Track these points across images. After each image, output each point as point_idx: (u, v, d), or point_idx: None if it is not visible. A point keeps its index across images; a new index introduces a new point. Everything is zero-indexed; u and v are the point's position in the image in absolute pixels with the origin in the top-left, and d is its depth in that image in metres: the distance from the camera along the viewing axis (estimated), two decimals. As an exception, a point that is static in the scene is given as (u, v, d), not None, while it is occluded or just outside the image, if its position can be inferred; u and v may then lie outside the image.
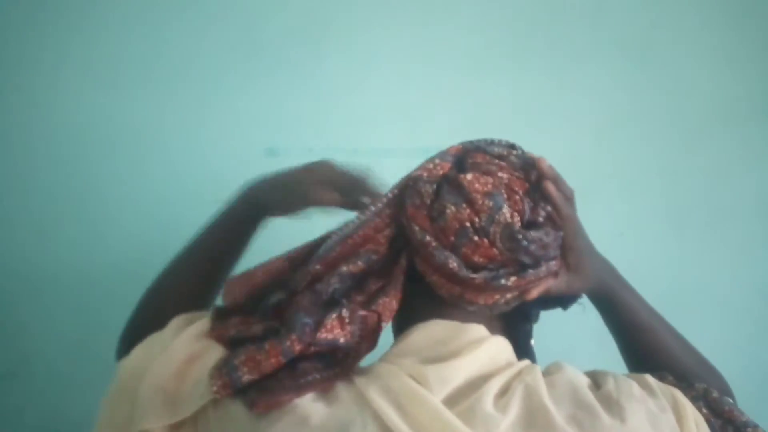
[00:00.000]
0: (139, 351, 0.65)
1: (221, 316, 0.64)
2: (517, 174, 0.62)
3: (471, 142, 0.67)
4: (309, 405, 0.56)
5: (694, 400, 0.63)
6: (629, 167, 1.18)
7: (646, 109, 1.18)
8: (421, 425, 0.53)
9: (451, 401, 0.56)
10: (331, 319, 0.58)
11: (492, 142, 0.67)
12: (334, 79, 1.11)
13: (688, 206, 1.19)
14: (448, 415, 0.54)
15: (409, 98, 1.13)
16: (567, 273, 0.64)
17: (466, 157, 0.64)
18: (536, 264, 0.60)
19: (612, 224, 1.18)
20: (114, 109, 1.07)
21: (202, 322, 0.65)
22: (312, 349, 0.58)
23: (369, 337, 0.60)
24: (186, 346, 0.63)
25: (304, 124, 1.10)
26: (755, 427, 0.63)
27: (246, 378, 0.57)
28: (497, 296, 0.60)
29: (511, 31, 1.16)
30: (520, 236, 0.58)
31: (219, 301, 0.67)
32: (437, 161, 0.64)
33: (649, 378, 0.63)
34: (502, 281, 0.58)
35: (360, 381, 0.58)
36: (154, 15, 1.07)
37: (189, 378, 0.61)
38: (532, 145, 1.15)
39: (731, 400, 0.66)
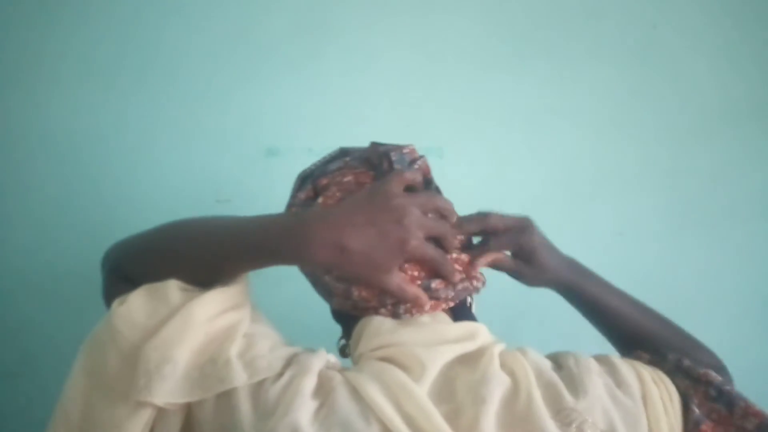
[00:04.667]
0: (138, 302, 0.60)
1: None
2: (359, 170, 0.67)
3: (311, 174, 0.71)
4: (309, 402, 0.55)
5: (670, 373, 0.65)
6: (629, 167, 1.18)
7: (647, 109, 1.18)
8: (411, 419, 0.55)
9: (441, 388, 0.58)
10: None
11: (326, 161, 0.71)
12: (334, 79, 1.11)
13: (688, 206, 1.19)
14: (432, 408, 0.55)
15: (410, 98, 1.13)
16: (524, 266, 0.71)
17: (317, 186, 0.68)
18: None
19: (612, 224, 1.18)
20: (113, 109, 1.07)
21: (222, 291, 0.61)
22: None
23: None
24: (208, 319, 0.58)
25: (304, 124, 1.10)
26: (731, 385, 0.65)
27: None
28: None
29: (511, 31, 1.16)
30: None
31: None
32: (295, 208, 0.68)
33: (614, 357, 0.66)
34: None
35: (353, 377, 0.58)
36: (152, 14, 1.07)
37: (206, 357, 0.57)
38: (533, 144, 1.16)
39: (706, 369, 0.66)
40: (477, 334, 0.63)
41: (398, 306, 0.64)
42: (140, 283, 0.62)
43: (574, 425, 0.56)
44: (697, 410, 0.62)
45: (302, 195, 0.69)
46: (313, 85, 1.10)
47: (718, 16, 1.19)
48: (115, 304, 0.60)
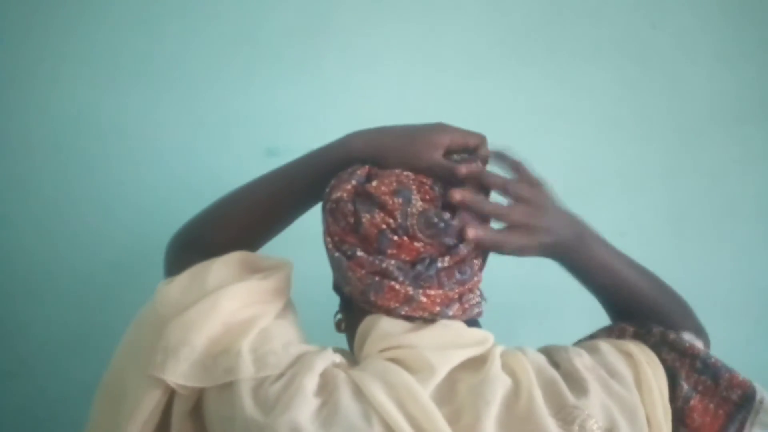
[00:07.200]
0: (181, 282, 0.62)
1: None
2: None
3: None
4: (311, 401, 0.55)
5: (655, 346, 0.65)
6: (630, 167, 1.18)
7: (647, 109, 1.18)
8: (414, 420, 0.54)
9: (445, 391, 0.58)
10: None
11: None
12: (334, 79, 1.11)
13: (688, 206, 1.19)
14: (434, 410, 0.55)
15: (410, 98, 1.13)
16: (518, 231, 0.65)
17: (371, 171, 0.66)
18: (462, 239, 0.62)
19: (613, 224, 1.17)
20: (113, 108, 1.07)
21: (257, 284, 0.62)
22: None
23: None
24: (232, 310, 0.60)
25: (304, 124, 1.10)
26: (716, 357, 0.65)
27: None
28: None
29: (511, 31, 1.16)
30: (436, 220, 0.61)
31: None
32: (352, 182, 0.65)
33: (601, 343, 0.65)
34: (439, 264, 0.61)
35: (357, 376, 0.57)
36: (152, 13, 1.07)
37: (221, 347, 0.58)
38: (533, 145, 1.15)
39: (687, 337, 0.67)
40: (487, 340, 0.63)
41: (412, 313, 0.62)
42: (213, 249, 0.66)
43: (576, 423, 0.56)
44: (685, 385, 0.62)
45: (361, 171, 0.66)
46: (313, 85, 1.10)
47: (717, 16, 1.19)
48: (162, 283, 0.63)
